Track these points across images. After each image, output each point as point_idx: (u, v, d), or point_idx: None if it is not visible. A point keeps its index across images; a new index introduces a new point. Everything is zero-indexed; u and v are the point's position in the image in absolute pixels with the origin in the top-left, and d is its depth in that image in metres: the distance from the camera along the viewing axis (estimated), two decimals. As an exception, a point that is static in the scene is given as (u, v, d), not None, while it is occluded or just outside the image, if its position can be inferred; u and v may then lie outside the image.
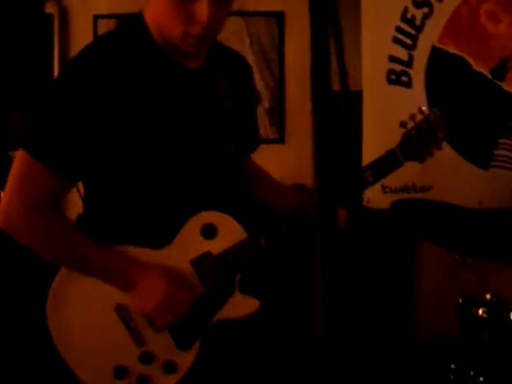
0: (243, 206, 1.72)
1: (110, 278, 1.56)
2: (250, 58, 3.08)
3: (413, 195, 2.91)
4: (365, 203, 2.96)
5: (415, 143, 1.64)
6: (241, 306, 1.64)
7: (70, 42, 3.15)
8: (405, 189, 2.91)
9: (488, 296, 2.10)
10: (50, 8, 3.00)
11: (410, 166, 2.82)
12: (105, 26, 3.12)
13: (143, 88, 1.53)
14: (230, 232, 1.60)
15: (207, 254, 1.60)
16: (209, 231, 1.60)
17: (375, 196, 2.96)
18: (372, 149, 2.82)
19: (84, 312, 1.60)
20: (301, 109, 3.05)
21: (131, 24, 1.58)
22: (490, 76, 2.90)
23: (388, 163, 1.64)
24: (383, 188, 2.94)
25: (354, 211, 2.87)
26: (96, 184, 1.62)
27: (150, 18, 1.54)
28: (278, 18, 3.15)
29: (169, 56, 1.55)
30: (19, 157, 1.52)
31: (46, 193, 1.52)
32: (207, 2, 1.42)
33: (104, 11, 3.12)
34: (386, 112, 2.91)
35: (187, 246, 1.60)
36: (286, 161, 3.06)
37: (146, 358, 1.59)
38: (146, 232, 1.60)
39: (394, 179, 3.00)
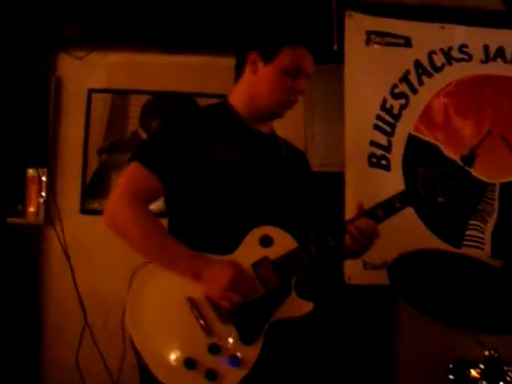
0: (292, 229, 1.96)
1: (182, 265, 1.83)
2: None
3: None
4: (346, 280, 3.09)
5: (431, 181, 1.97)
6: (297, 306, 1.87)
7: (62, 111, 3.25)
8: (385, 265, 3.05)
9: (487, 353, 2.21)
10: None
11: (389, 244, 3.00)
12: (99, 100, 3.26)
13: (227, 140, 1.96)
14: (284, 242, 1.90)
15: (265, 259, 1.88)
16: (266, 241, 1.89)
17: (356, 272, 3.10)
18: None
19: (159, 305, 1.83)
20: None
21: (218, 103, 2.08)
22: (460, 163, 3.15)
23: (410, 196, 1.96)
24: (364, 264, 3.08)
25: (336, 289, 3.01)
26: (179, 212, 1.99)
27: (238, 98, 2.04)
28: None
29: (247, 123, 2.04)
30: (130, 167, 1.93)
31: (146, 192, 1.90)
32: (305, 79, 2.01)
33: (99, 86, 3.26)
34: (367, 192, 3.11)
35: (248, 253, 1.88)
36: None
37: (214, 349, 1.78)
38: (215, 245, 1.89)
39: (375, 256, 3.16)
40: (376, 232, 1.90)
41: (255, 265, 1.86)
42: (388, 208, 1.91)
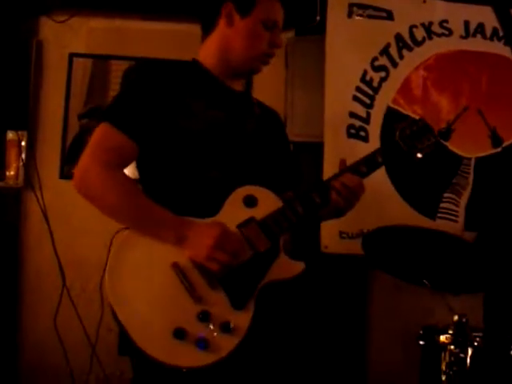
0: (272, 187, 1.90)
1: (164, 230, 1.73)
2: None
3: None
4: (323, 249, 3.15)
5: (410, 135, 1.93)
6: (287, 267, 1.79)
7: (43, 75, 3.25)
8: (361, 234, 3.11)
9: (455, 318, 2.28)
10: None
11: (366, 215, 3.03)
12: (80, 65, 3.25)
13: (200, 97, 1.89)
14: (269, 201, 1.81)
15: (251, 219, 1.78)
16: (250, 201, 1.79)
17: (333, 242, 3.16)
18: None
19: (142, 276, 1.71)
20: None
21: (186, 61, 1.99)
22: (437, 136, 3.21)
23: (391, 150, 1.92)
24: (340, 234, 3.14)
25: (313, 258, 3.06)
26: (153, 175, 1.88)
27: (209, 54, 1.96)
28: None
29: (220, 80, 1.97)
30: (99, 128, 1.81)
31: (119, 154, 1.78)
32: (280, 31, 1.97)
33: (80, 50, 3.25)
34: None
35: (232, 214, 1.78)
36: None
37: (204, 317, 1.68)
38: (195, 208, 1.79)
39: (351, 226, 3.23)
40: (362, 187, 1.83)
41: (241, 226, 1.76)
42: (370, 163, 1.87)
